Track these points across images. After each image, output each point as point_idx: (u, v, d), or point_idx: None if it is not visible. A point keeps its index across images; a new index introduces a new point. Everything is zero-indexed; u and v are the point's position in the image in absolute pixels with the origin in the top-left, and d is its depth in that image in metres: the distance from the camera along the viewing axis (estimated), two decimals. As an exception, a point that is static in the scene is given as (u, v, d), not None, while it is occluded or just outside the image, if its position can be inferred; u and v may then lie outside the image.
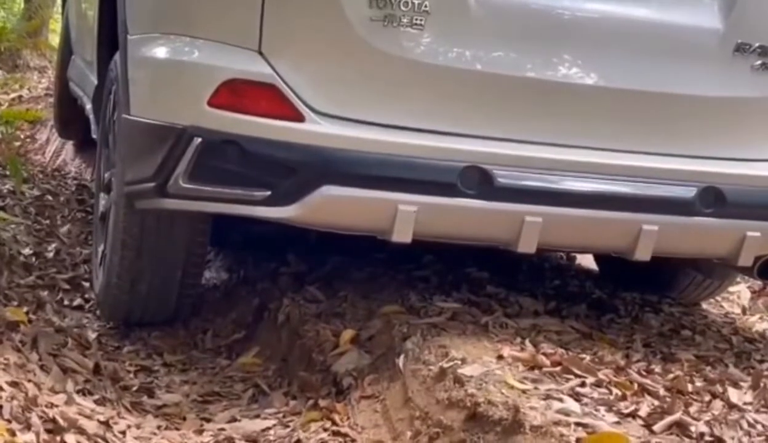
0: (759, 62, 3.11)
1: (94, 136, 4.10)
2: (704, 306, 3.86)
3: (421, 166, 2.88)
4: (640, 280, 3.74)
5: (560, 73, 3.01)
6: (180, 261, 3.31)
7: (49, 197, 5.15)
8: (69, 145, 6.14)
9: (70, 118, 5.68)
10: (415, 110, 2.93)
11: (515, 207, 2.93)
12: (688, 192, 3.03)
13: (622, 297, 3.59)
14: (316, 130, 2.85)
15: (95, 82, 4.15)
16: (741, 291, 4.14)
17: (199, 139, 2.84)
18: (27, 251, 4.22)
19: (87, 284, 3.94)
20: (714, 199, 3.04)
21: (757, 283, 4.18)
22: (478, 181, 2.88)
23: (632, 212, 3.01)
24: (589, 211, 2.98)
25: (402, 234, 2.88)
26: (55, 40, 8.39)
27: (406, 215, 2.86)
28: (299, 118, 2.85)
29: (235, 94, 2.86)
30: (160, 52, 3.01)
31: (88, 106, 4.36)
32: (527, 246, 2.97)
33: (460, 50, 2.95)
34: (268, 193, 2.85)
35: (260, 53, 2.87)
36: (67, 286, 3.92)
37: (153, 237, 3.25)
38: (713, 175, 3.07)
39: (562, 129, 3.01)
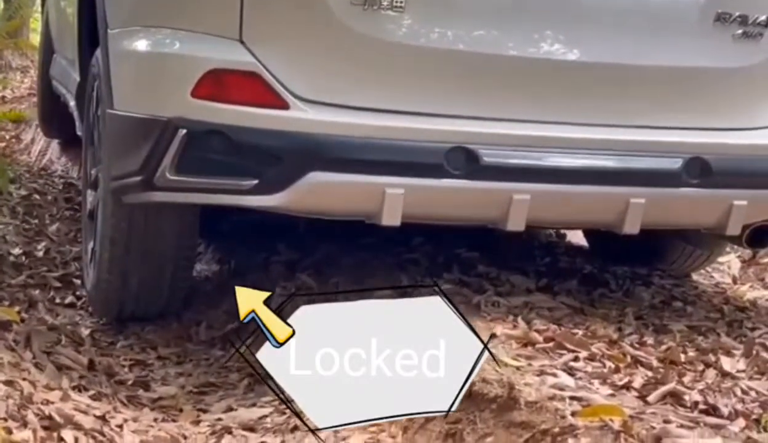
0: (740, 31, 3.11)
1: (78, 132, 4.10)
2: (695, 277, 3.88)
3: (406, 148, 2.88)
4: (630, 254, 3.76)
5: (542, 49, 3.01)
6: (170, 255, 3.31)
7: (37, 196, 5.15)
8: (54, 144, 6.13)
9: (54, 117, 5.66)
10: (398, 93, 2.93)
11: (502, 185, 2.93)
12: (674, 163, 3.03)
13: (613, 272, 3.60)
14: (300, 117, 2.84)
15: (78, 78, 4.14)
16: (731, 261, 4.15)
17: (184, 131, 2.83)
18: (17, 251, 4.22)
19: (78, 281, 3.94)
20: (700, 170, 3.04)
21: (747, 253, 4.20)
22: (464, 161, 2.88)
23: (619, 186, 3.02)
24: (576, 186, 2.99)
25: (391, 218, 2.88)
26: (36, 39, 8.36)
27: (394, 198, 2.86)
28: (283, 105, 2.85)
29: (218, 83, 2.85)
30: (141, 45, 3.00)
31: (72, 103, 4.35)
32: (516, 224, 2.97)
33: (441, 31, 2.95)
34: (256, 181, 2.84)
35: (241, 42, 2.86)
36: (58, 284, 3.92)
37: (141, 232, 3.25)
38: (698, 146, 3.07)
39: (547, 105, 3.01)
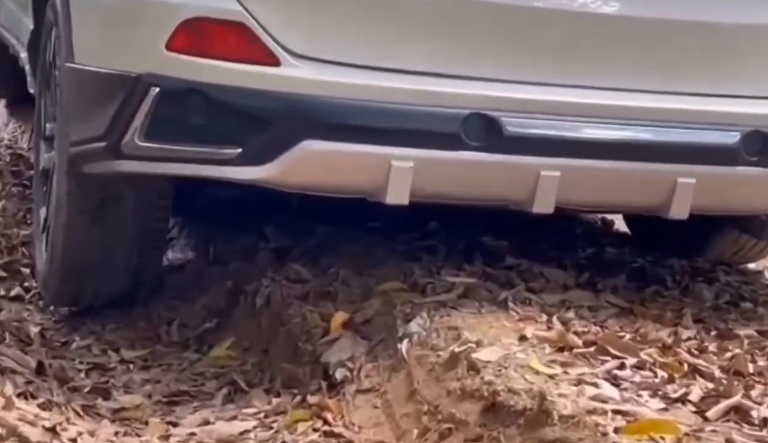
0: None
1: (31, 90, 4.13)
2: (767, 274, 3.88)
3: (417, 114, 2.92)
4: (669, 241, 3.80)
5: (576, 1, 3.02)
6: (137, 231, 3.36)
7: (-22, 170, 5.17)
8: (1, 108, 6.15)
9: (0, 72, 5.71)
10: (407, 49, 2.97)
11: (529, 160, 2.97)
12: (731, 138, 3.07)
13: (669, 266, 3.62)
14: (293, 75, 2.89)
15: (31, 26, 4.18)
16: (810, 256, 4.16)
17: (157, 89, 2.88)
18: (-47, 235, 4.25)
19: (27, 270, 3.98)
20: (761, 145, 3.08)
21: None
22: (484, 130, 2.92)
23: (665, 163, 3.06)
24: (614, 162, 3.03)
25: (397, 196, 2.92)
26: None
27: (402, 172, 2.89)
28: (274, 61, 2.89)
29: (198, 35, 2.89)
30: None
31: (23, 55, 4.39)
32: (544, 205, 3.01)
33: None
34: (239, 150, 2.89)
35: None
36: (2, 274, 3.96)
37: (104, 206, 3.28)
38: (759, 118, 3.11)
39: (581, 67, 3.05)
